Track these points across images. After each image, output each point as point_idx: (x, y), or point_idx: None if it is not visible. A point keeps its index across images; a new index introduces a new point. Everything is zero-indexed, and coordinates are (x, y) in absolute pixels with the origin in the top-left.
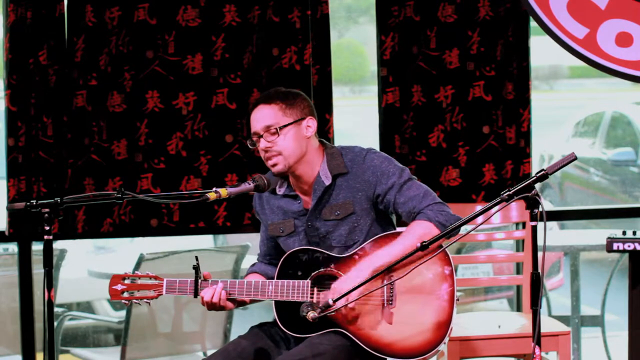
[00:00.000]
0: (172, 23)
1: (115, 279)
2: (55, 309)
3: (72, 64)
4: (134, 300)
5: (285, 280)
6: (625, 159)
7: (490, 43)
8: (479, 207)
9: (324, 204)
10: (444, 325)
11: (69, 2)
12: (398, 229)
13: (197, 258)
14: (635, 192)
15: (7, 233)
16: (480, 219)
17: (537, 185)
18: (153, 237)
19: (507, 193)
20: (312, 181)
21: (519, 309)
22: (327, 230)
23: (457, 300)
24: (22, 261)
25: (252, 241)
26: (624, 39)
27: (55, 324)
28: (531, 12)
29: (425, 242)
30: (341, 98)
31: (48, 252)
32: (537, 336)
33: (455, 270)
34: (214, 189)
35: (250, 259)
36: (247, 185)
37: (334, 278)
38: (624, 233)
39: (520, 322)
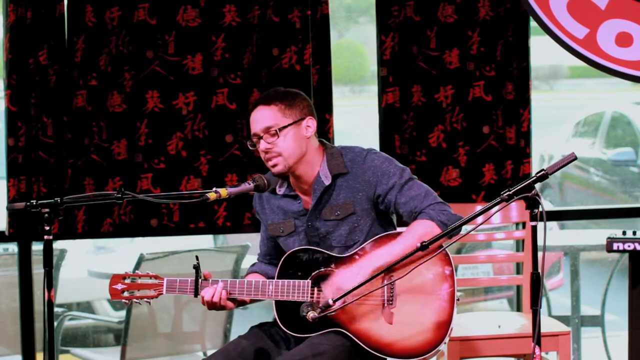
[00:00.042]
0: (172, 23)
1: (116, 278)
2: (55, 309)
3: (72, 64)
4: (134, 300)
5: (286, 280)
6: (625, 159)
7: (490, 43)
8: (479, 207)
9: (324, 204)
10: (444, 326)
11: (69, 2)
12: (398, 229)
13: (197, 257)
14: (635, 192)
15: (7, 233)
16: (480, 219)
17: (537, 185)
18: (153, 237)
19: (507, 193)
20: (312, 181)
21: (519, 309)
22: (327, 230)
23: (458, 300)
24: (22, 261)
25: (252, 241)
26: (624, 39)
27: (55, 324)
28: (531, 12)
29: (425, 242)
30: (341, 98)
31: (48, 252)
32: (537, 336)
33: (455, 270)
34: (214, 189)
35: (250, 259)
36: (247, 185)
37: None
38: (624, 233)
39: (520, 322)
